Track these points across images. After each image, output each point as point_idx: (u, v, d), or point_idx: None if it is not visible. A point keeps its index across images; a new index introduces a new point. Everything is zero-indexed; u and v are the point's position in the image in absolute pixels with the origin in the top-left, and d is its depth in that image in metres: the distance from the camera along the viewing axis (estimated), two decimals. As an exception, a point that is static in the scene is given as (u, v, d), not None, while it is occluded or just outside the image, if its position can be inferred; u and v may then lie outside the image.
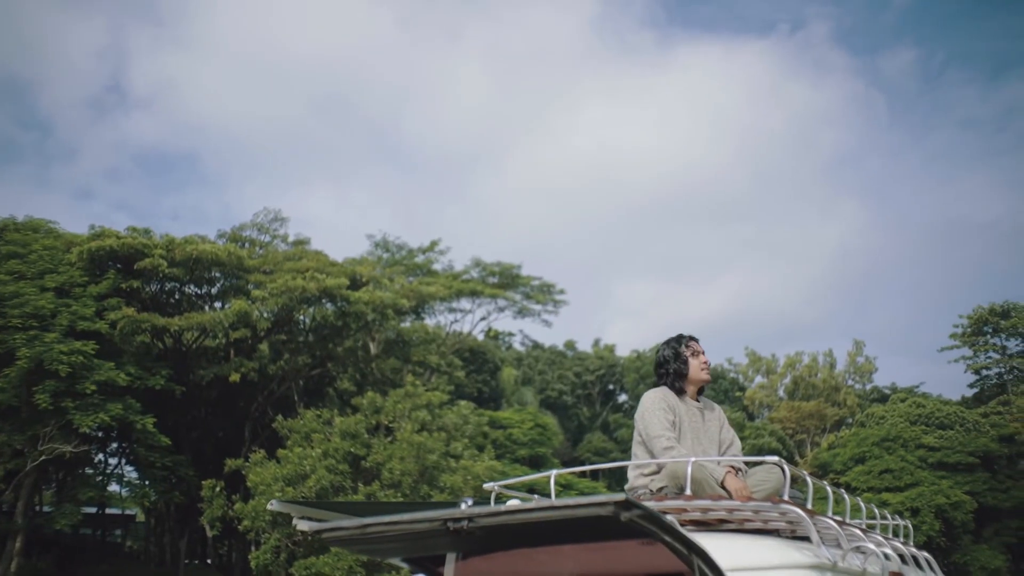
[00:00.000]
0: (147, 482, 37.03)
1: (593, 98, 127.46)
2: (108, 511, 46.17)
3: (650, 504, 4.32)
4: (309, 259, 39.25)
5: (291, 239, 43.03)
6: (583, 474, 41.21)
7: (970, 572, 43.81)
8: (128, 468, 42.25)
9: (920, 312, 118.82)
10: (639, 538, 3.12)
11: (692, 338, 5.76)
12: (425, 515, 2.99)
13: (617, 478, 58.73)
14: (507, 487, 5.45)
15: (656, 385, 5.70)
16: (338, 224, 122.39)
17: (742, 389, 72.97)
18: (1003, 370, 58.77)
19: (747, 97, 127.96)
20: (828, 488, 5.04)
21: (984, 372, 59.74)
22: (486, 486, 5.31)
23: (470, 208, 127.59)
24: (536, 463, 45.42)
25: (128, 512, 50.76)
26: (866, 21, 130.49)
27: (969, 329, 58.70)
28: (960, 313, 60.72)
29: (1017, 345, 58.10)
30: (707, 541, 3.51)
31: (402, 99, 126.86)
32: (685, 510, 4.48)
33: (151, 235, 37.64)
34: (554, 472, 4.95)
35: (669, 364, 5.67)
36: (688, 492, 4.57)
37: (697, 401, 5.70)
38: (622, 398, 76.29)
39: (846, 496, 5.13)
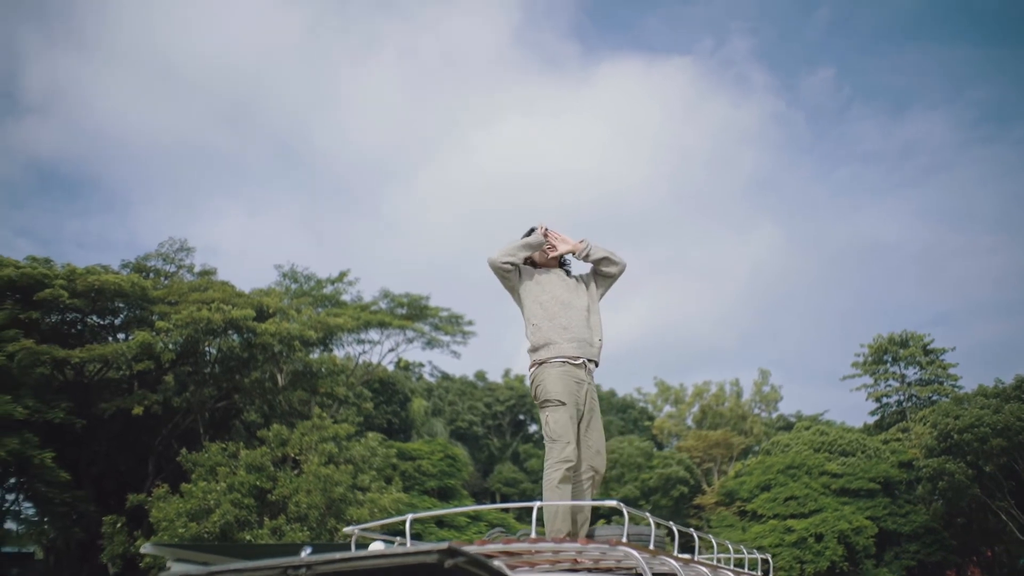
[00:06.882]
0: (45, 519, 36.12)
1: (510, 113, 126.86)
2: (3, 549, 44.79)
3: (495, 547, 4.47)
4: (215, 290, 38.79)
5: (197, 269, 42.49)
6: (495, 504, 41.12)
7: (871, 596, 44.85)
8: (26, 504, 41.08)
9: (825, 339, 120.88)
10: None
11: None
12: (265, 563, 3.10)
13: (528, 508, 58.71)
14: (369, 529, 5.60)
15: None
16: (246, 253, 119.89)
17: (651, 418, 73.85)
18: (902, 397, 60.52)
19: (667, 114, 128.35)
20: (674, 528, 5.30)
21: (884, 400, 61.54)
22: (345, 530, 5.47)
23: (380, 229, 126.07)
24: (445, 495, 45.27)
25: (25, 551, 49.24)
26: (787, 39, 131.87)
27: (870, 358, 60.51)
28: (861, 342, 62.44)
29: (915, 373, 59.98)
30: None
31: (311, 112, 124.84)
32: (530, 552, 4.63)
33: (52, 265, 36.90)
34: (410, 516, 5.17)
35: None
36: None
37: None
38: (532, 428, 76.53)
39: (695, 535, 5.34)
